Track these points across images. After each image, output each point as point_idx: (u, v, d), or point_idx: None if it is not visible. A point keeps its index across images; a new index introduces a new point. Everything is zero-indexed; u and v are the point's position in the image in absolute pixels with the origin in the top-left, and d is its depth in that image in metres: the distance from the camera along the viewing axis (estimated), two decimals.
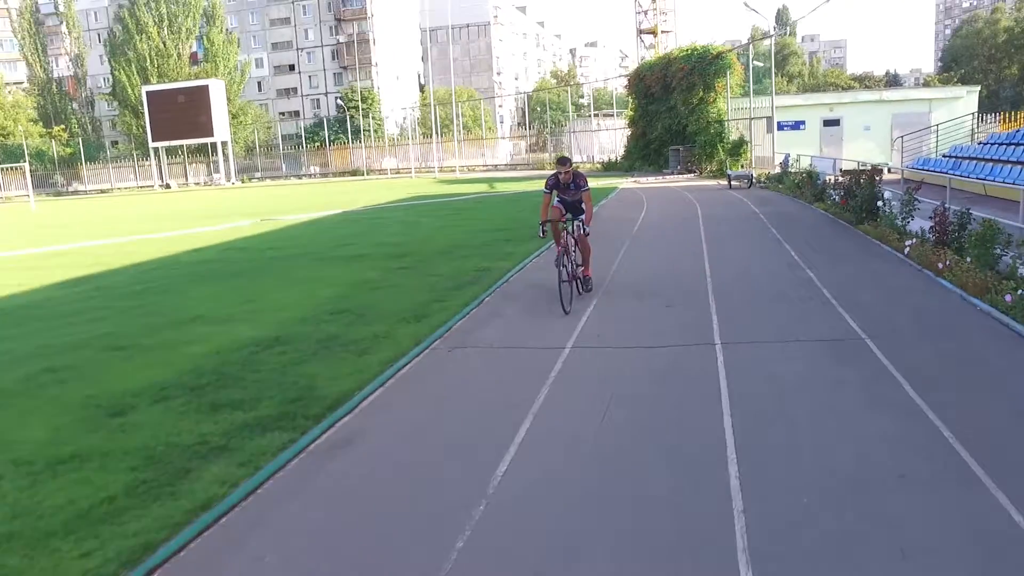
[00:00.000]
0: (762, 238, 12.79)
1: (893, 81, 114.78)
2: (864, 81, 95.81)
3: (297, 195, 35.49)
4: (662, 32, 42.54)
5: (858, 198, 13.25)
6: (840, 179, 16.32)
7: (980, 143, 22.66)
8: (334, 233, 17.15)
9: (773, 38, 31.31)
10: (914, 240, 9.89)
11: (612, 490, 3.87)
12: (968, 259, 8.34)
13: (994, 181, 16.44)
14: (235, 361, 6.59)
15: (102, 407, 5.54)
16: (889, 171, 18.86)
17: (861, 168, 14.53)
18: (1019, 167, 16.85)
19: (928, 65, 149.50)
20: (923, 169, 21.10)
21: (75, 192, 61.74)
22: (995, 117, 30.51)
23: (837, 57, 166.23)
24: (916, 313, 7.22)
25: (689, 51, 33.36)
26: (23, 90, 78.26)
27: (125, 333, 8.00)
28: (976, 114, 30.34)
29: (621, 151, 40.76)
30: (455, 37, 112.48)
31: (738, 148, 30.95)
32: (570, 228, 8.14)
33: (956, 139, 26.45)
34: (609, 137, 44.02)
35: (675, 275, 9.74)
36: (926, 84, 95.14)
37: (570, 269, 8.01)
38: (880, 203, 12.57)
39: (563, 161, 8.41)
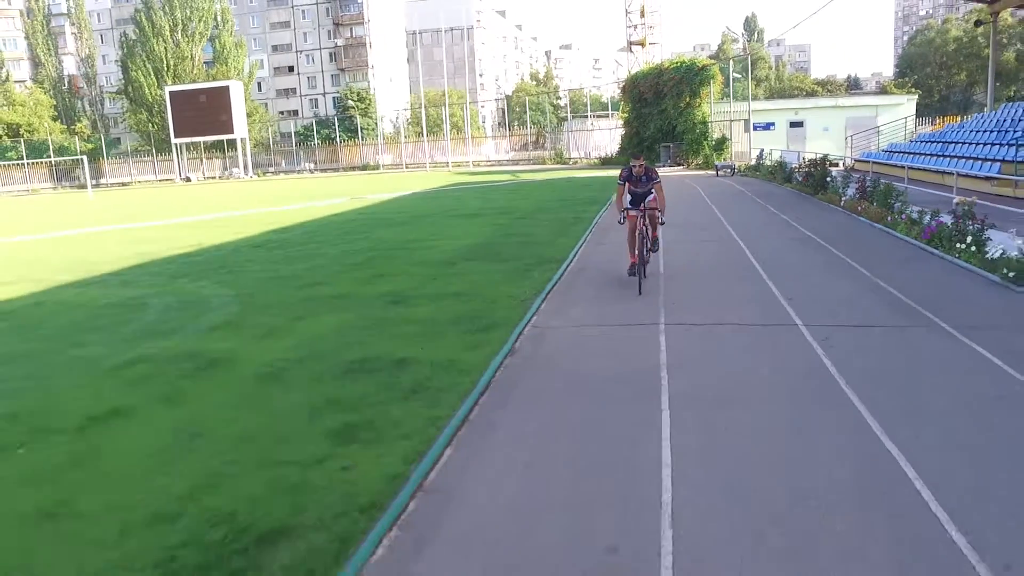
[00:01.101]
0: (751, 204, 18.94)
1: (854, 85, 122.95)
2: (826, 85, 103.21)
3: (337, 185, 40.93)
4: (650, 44, 48.83)
5: (814, 177, 19.50)
6: (803, 166, 22.54)
7: (911, 141, 29.25)
8: (435, 203, 22.95)
9: (748, 57, 37.62)
10: (845, 198, 16.11)
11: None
12: (874, 204, 14.51)
13: (912, 167, 22.82)
14: (482, 248, 12.46)
15: (439, 264, 11.34)
16: (843, 163, 25.22)
17: (818, 159, 20.81)
18: (932, 158, 23.31)
19: (888, 68, 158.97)
20: (866, 160, 27.52)
21: (97, 185, 66.07)
22: (929, 121, 37.31)
23: (802, 61, 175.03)
24: (841, 229, 13.38)
25: (679, 63, 39.74)
26: (28, 88, 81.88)
27: (387, 244, 13.76)
28: (914, 118, 37.08)
29: (615, 149, 46.97)
30: (439, 40, 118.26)
31: (720, 145, 37.43)
32: (643, 215, 8.97)
33: (895, 138, 33.09)
34: (603, 136, 50.20)
35: (703, 221, 15.81)
36: (883, 89, 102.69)
37: (643, 252, 8.91)
38: (828, 179, 18.80)
39: (636, 155, 9.25)
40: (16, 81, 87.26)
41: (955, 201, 11.23)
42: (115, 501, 4.02)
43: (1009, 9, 28.32)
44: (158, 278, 11.68)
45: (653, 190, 9.07)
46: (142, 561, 3.39)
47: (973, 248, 9.59)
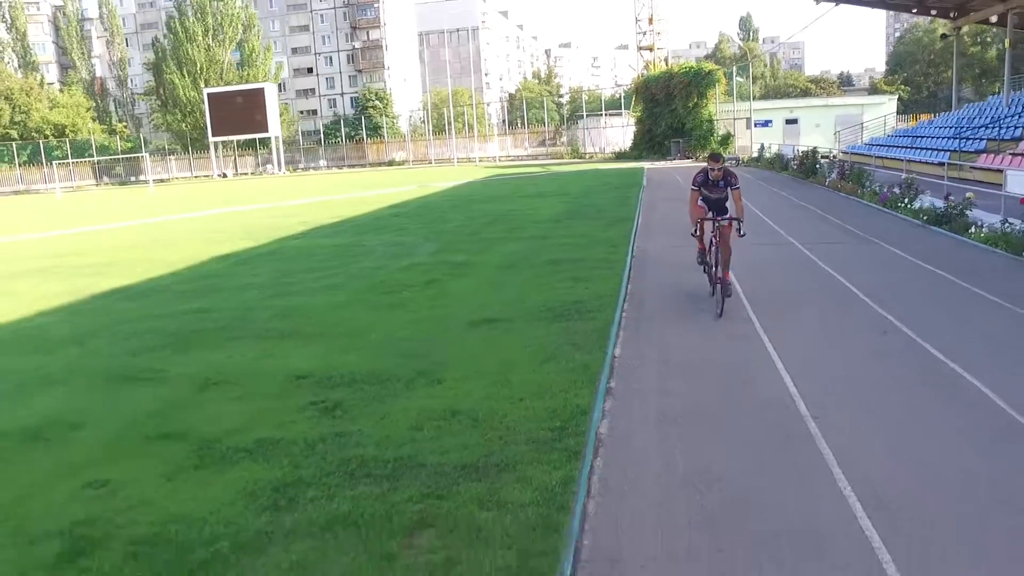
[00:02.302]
0: (756, 185, 24.20)
1: (846, 82, 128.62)
2: (819, 83, 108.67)
3: (383, 178, 46.06)
4: (657, 48, 54.15)
5: (806, 165, 24.80)
6: (797, 157, 27.81)
7: (888, 135, 34.62)
8: (496, 189, 28.10)
9: (750, 63, 42.98)
10: (829, 179, 21.43)
11: None
12: (850, 183, 19.80)
13: (886, 157, 28.14)
14: (570, 213, 17.69)
15: (549, 221, 16.53)
16: (831, 154, 30.45)
17: (808, 151, 26.11)
18: (902, 148, 28.67)
19: (881, 64, 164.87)
20: (851, 152, 32.87)
21: (137, 181, 71.05)
22: (907, 119, 42.72)
23: (795, 58, 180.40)
24: (824, 199, 18.67)
25: (687, 68, 45.11)
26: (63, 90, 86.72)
27: (494, 213, 18.94)
28: (894, 115, 42.50)
29: (627, 144, 52.25)
30: (446, 41, 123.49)
31: (725, 140, 42.80)
32: (714, 228, 7.91)
33: (876, 133, 38.46)
34: (615, 132, 55.47)
35: None
36: (874, 86, 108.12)
37: (715, 271, 7.90)
38: (817, 166, 24.11)
39: (716, 157, 8.08)
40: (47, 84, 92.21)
41: (903, 178, 16.52)
42: (469, 304, 9.19)
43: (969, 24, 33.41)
44: (345, 235, 16.83)
45: (731, 195, 8.04)
46: (522, 309, 8.54)
47: (908, 206, 14.87)
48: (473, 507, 3.81)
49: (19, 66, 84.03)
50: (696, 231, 8.37)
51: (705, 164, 8.19)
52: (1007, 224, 11.15)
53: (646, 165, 41.22)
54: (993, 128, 25.07)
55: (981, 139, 24.13)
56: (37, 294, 11.21)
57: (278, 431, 5.05)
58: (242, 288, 10.75)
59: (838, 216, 15.30)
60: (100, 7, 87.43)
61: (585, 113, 60.96)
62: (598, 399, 5.29)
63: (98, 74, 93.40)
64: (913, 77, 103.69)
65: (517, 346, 6.85)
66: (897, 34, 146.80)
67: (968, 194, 12.95)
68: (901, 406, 5.07)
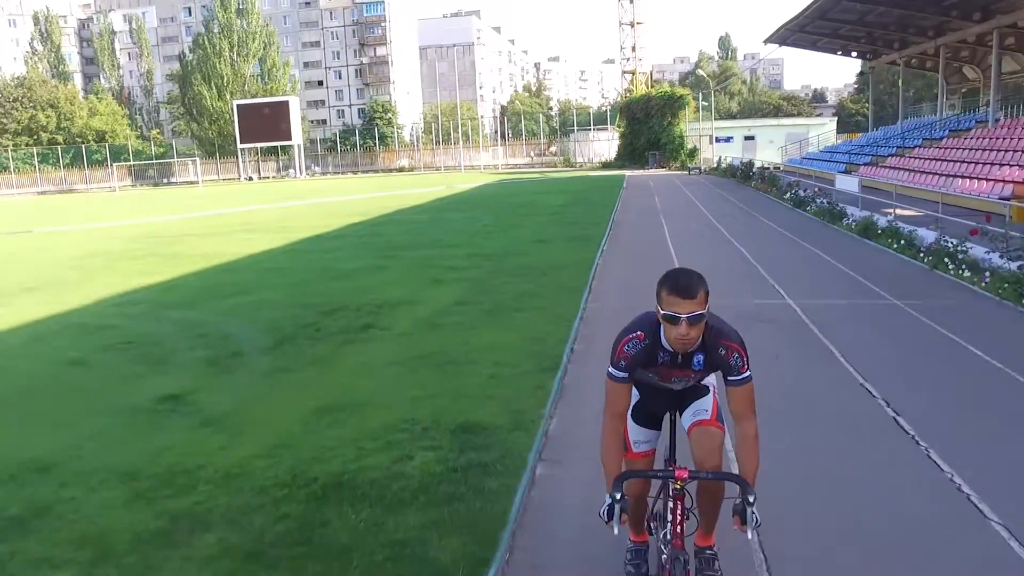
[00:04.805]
0: (708, 189, 32.92)
1: (819, 99, 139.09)
2: (791, 100, 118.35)
3: (402, 181, 54.45)
4: (640, 72, 63.16)
5: (743, 172, 33.61)
6: (740, 168, 36.51)
7: (820, 151, 43.61)
8: (510, 188, 36.61)
9: (712, 92, 52.03)
10: (754, 183, 30.22)
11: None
12: (766, 184, 28.53)
13: (809, 168, 36.95)
14: (570, 204, 26.34)
15: (557, 207, 25.10)
16: (772, 167, 39.23)
17: (744, 162, 34.88)
18: (822, 161, 37.61)
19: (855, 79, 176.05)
20: (791, 164, 41.72)
21: (169, 183, 79.01)
22: (842, 136, 51.82)
23: (775, 74, 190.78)
24: (746, 195, 27.44)
25: (663, 92, 54.11)
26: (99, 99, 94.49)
27: (516, 203, 27.49)
28: (834, 133, 51.63)
29: (612, 155, 61.11)
30: (443, 55, 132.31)
31: (693, 153, 51.75)
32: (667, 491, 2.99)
33: (814, 149, 47.47)
34: (602, 145, 64.33)
35: (677, 195, 29.75)
36: (841, 103, 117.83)
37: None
38: (751, 174, 32.92)
39: (683, 287, 2.62)
40: None
41: (789, 180, 25.23)
42: (528, 236, 17.76)
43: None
44: (423, 214, 25.26)
45: (711, 390, 3.16)
46: (555, 237, 17.09)
47: (788, 197, 23.54)
48: (556, 273, 12.32)
49: (52, 76, 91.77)
50: (614, 507, 2.62)
51: (659, 306, 2.72)
52: (831, 206, 19.78)
53: (627, 173, 50.01)
54: (884, 147, 34.00)
55: (868, 155, 33.04)
56: (269, 240, 19.57)
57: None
58: (398, 235, 19.23)
59: (745, 204, 24.01)
60: (128, 23, 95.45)
61: (576, 127, 69.86)
62: (596, 257, 13.82)
63: (122, 84, 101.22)
64: (879, 96, 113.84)
65: (558, 250, 15.37)
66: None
67: (816, 188, 21.65)
68: (707, 243, 13.62)
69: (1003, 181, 19.07)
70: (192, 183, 78.44)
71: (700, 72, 60.35)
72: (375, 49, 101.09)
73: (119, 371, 7.89)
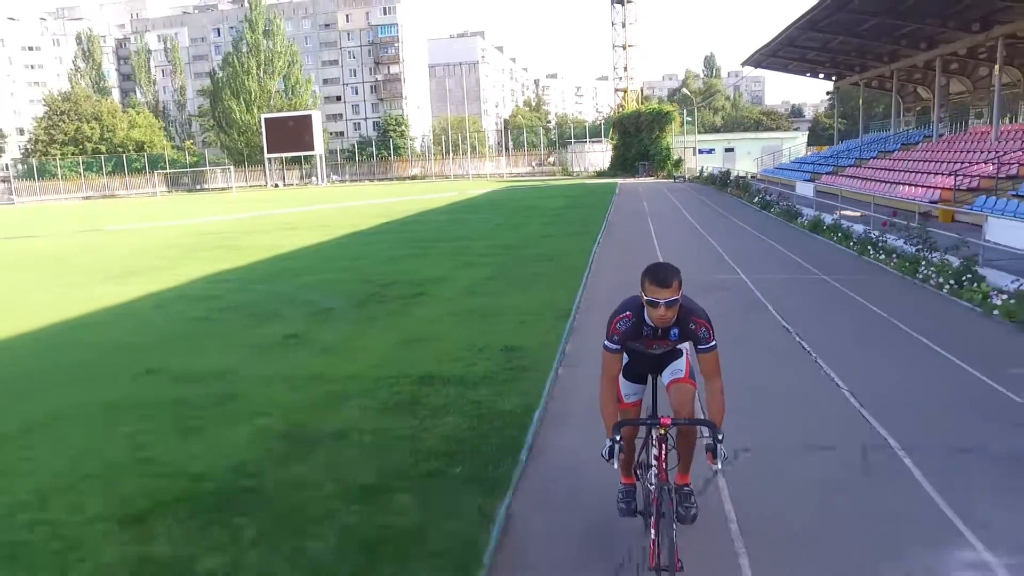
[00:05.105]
0: (690, 195, 34.95)
1: (796, 113, 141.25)
2: (770, 115, 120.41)
3: (418, 188, 56.41)
4: (631, 90, 65.21)
5: (721, 181, 35.64)
6: (718, 177, 38.51)
7: (790, 162, 45.65)
8: (516, 194, 38.62)
9: (696, 108, 54.06)
10: (730, 190, 32.26)
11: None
12: (740, 190, 30.56)
13: (778, 177, 38.96)
14: (571, 206, 28.39)
15: (559, 209, 27.15)
16: (748, 175, 41.28)
17: (722, 172, 36.90)
18: (790, 171, 39.66)
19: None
20: (764, 174, 43.76)
21: (202, 189, 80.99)
22: (811, 148, 53.86)
23: (757, 90, 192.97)
24: (725, 202, 29.49)
25: (652, 109, 56.18)
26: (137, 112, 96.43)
27: (525, 205, 29.55)
28: (805, 146, 53.68)
29: (606, 165, 63.14)
30: (451, 72, 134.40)
31: (678, 163, 53.82)
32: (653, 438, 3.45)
33: (784, 160, 49.50)
34: (597, 156, 66.36)
35: (663, 200, 31.80)
36: (815, 118, 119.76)
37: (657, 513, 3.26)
38: (728, 181, 34.95)
39: (661, 277, 3.22)
40: None
41: (761, 188, 27.25)
42: (537, 231, 19.81)
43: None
44: (443, 215, 27.29)
45: (683, 352, 3.69)
46: (560, 232, 19.16)
47: (757, 201, 25.57)
48: (561, 258, 14.37)
49: (93, 91, 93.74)
50: (614, 447, 3.22)
51: (643, 292, 3.28)
52: (790, 207, 21.79)
53: (619, 181, 52.08)
54: (845, 158, 36.05)
55: (831, 165, 35.09)
56: (315, 235, 21.60)
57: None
58: (426, 231, 21.27)
59: (720, 207, 26.06)
60: (163, 42, 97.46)
61: (573, 139, 71.91)
62: (594, 247, 15.86)
63: (159, 98, 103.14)
64: (851, 111, 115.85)
65: (562, 242, 17.40)
66: None
67: (779, 192, 23.69)
68: (685, 237, 15.66)
69: (935, 188, 21.13)
70: (223, 189, 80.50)
71: (685, 91, 62.89)
72: (389, 67, 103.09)
73: (240, 323, 9.93)
